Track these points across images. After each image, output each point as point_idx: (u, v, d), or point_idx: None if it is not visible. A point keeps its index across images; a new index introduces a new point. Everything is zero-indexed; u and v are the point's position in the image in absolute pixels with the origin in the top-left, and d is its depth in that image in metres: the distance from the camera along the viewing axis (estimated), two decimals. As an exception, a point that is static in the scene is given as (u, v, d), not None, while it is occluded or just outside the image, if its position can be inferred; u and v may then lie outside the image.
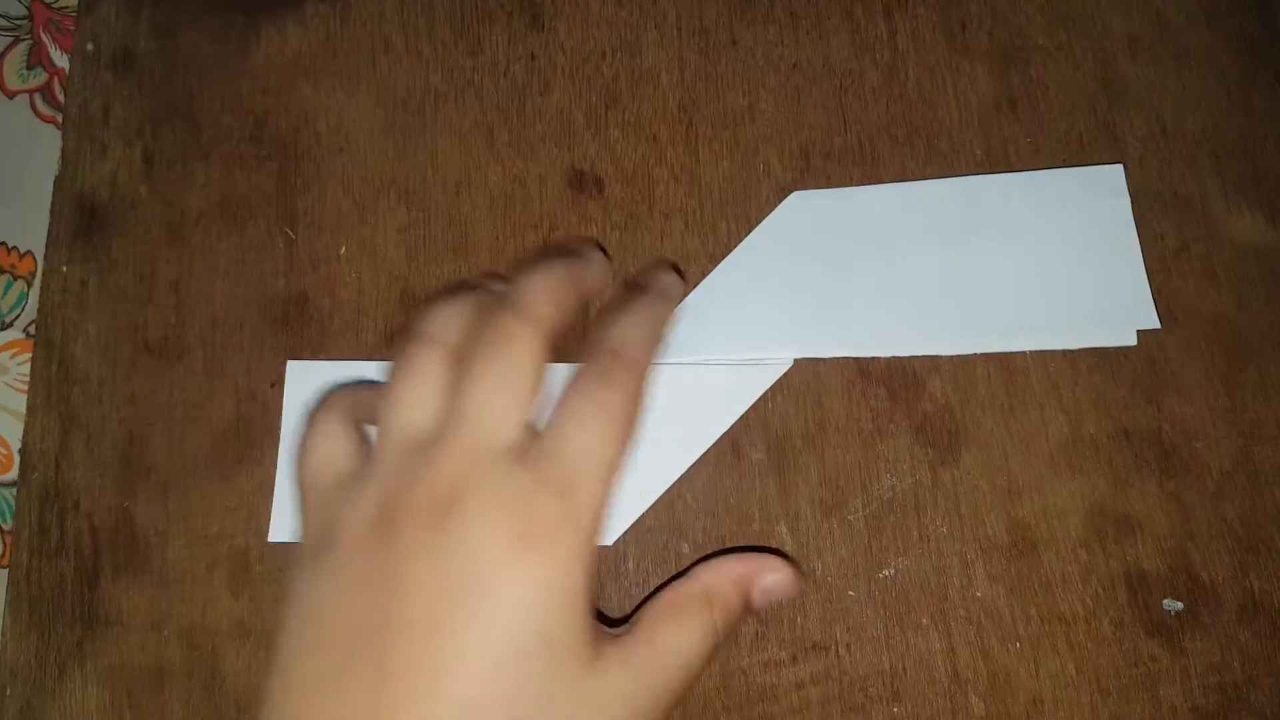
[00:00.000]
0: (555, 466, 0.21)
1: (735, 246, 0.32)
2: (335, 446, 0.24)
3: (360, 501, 0.22)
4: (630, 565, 0.30)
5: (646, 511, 0.30)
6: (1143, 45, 0.34)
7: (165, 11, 0.36)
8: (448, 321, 0.24)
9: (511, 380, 0.22)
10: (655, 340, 0.26)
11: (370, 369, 0.31)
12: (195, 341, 0.32)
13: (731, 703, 0.29)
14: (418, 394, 0.23)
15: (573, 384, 0.23)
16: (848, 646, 0.30)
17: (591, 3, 0.35)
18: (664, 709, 0.22)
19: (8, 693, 0.30)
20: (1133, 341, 0.31)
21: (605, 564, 0.30)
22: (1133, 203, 0.32)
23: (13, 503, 0.31)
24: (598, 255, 0.30)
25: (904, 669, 0.29)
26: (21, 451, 0.32)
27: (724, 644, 0.26)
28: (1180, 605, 0.29)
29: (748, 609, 0.25)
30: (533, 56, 0.35)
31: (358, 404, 0.26)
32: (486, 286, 0.26)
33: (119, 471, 0.31)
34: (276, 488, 0.31)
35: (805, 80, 0.34)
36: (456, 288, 0.26)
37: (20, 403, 0.32)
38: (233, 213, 0.33)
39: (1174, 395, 0.31)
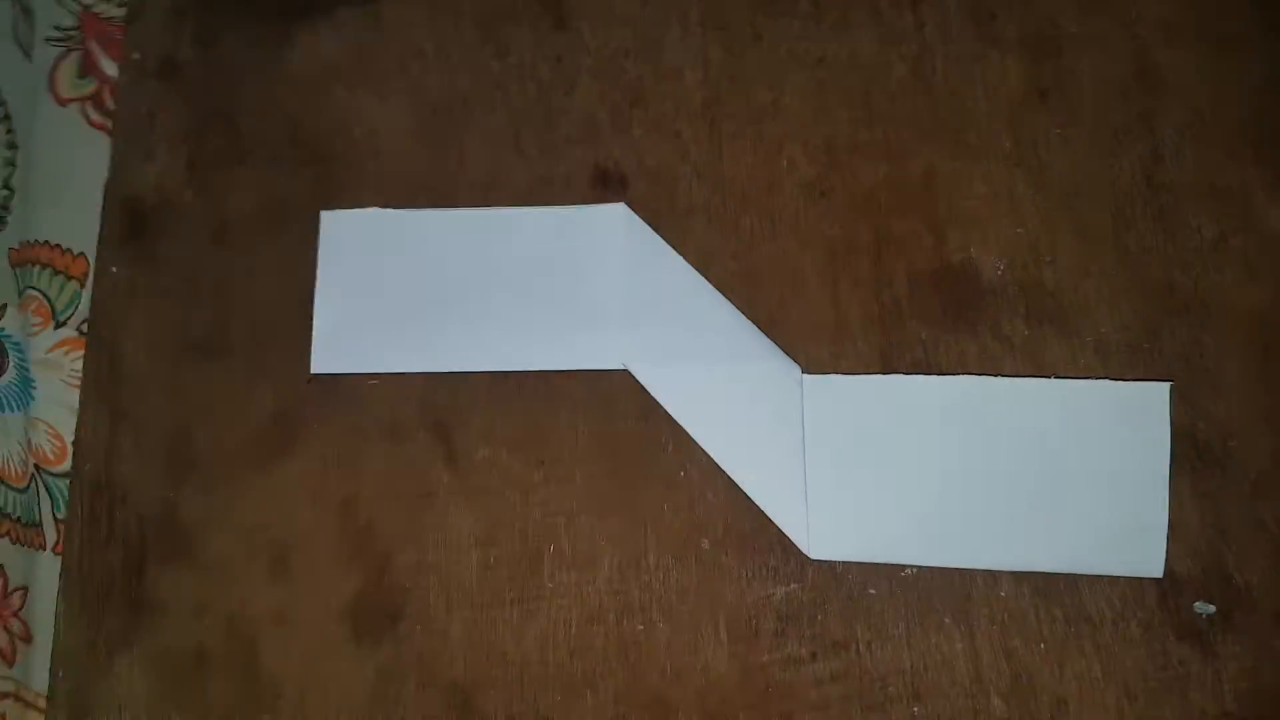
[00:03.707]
0: None
1: (757, 244, 0.32)
2: None
3: None
4: (650, 559, 0.31)
5: (669, 512, 0.31)
6: (1179, 31, 0.33)
7: (207, 20, 0.37)
8: None
9: None
10: None
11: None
12: (236, 340, 0.34)
13: (751, 700, 0.29)
14: None
15: None
16: (868, 645, 0.30)
17: (615, 2, 0.35)
18: None
19: (60, 675, 0.31)
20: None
21: (627, 552, 0.31)
22: (1168, 194, 0.31)
23: (66, 493, 0.33)
24: None
25: (924, 668, 0.29)
26: (74, 445, 0.33)
27: None
28: (1213, 608, 0.29)
29: None
30: (558, 58, 0.35)
31: None
32: None
33: (164, 464, 0.33)
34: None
35: (830, 75, 0.34)
36: None
37: (74, 398, 0.34)
38: (272, 215, 0.35)
39: (1208, 391, 0.30)
